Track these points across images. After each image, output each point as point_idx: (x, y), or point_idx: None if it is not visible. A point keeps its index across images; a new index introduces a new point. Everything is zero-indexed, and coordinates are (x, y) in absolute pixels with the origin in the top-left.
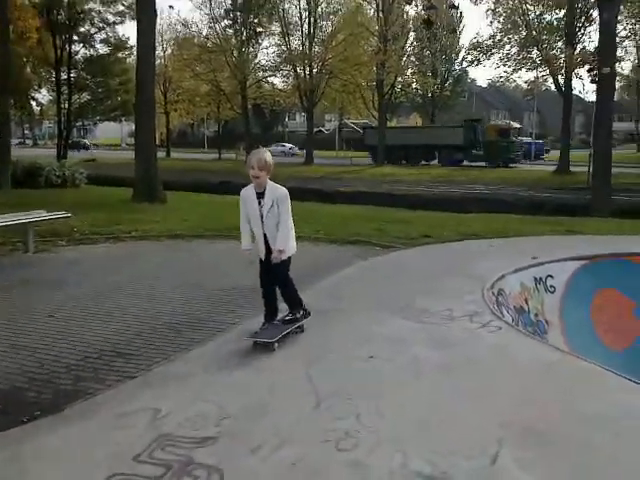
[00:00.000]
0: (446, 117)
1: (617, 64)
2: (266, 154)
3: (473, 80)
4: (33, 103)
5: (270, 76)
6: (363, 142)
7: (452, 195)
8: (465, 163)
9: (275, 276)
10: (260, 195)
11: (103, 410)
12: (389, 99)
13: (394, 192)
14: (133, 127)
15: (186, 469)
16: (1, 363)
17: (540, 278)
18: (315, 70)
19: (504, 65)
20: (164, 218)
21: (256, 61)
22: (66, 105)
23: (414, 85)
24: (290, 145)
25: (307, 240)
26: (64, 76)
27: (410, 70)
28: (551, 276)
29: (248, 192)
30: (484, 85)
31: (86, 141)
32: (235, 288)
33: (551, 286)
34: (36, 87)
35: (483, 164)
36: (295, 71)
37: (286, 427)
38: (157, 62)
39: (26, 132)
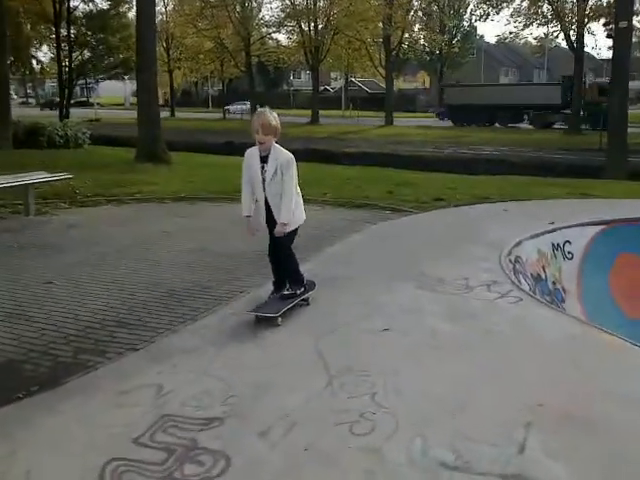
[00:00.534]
0: (455, 75)
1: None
2: (271, 116)
3: (481, 37)
4: (34, 61)
5: (274, 32)
6: (444, 102)
7: (461, 156)
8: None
9: (278, 248)
10: (264, 159)
11: (103, 386)
12: (396, 56)
13: (400, 153)
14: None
15: (190, 454)
16: None
17: (558, 244)
18: (320, 26)
19: (514, 21)
20: (168, 179)
21: (260, 17)
22: (67, 63)
23: (422, 42)
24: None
25: (314, 204)
26: (64, 33)
27: (417, 26)
28: (569, 242)
29: (252, 153)
30: (492, 42)
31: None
32: (242, 253)
33: (569, 252)
34: (37, 45)
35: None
36: (300, 27)
37: (296, 407)
38: (158, 18)
39: (29, 91)
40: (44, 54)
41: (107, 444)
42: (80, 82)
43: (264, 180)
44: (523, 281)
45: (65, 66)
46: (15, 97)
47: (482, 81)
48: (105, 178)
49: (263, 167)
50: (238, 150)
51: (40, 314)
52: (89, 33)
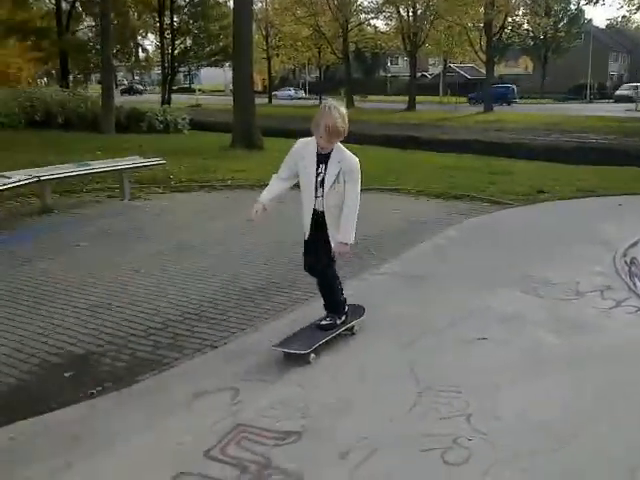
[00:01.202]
0: (560, 60)
1: None
2: (340, 117)
3: (589, 20)
4: (139, 50)
5: (372, 18)
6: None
7: (564, 145)
8: None
9: (318, 267)
10: (323, 158)
11: (177, 387)
12: (498, 41)
13: (499, 140)
14: None
15: (263, 474)
16: (79, 323)
17: None
18: (419, 11)
19: (627, 4)
20: (260, 166)
21: (358, 3)
22: (169, 50)
23: (525, 26)
24: (294, 89)
25: (406, 194)
26: (167, 21)
27: (522, 9)
28: None
29: (308, 148)
30: (602, 26)
31: (139, 86)
32: None
33: None
34: (143, 34)
35: None
36: (398, 12)
37: (379, 427)
38: (257, 6)
39: (136, 78)
40: (150, 42)
41: (176, 455)
42: (182, 69)
43: (318, 187)
44: None
45: (168, 54)
46: (126, 83)
47: (589, 67)
48: (200, 163)
49: (319, 169)
50: None
51: (123, 304)
52: (191, 21)
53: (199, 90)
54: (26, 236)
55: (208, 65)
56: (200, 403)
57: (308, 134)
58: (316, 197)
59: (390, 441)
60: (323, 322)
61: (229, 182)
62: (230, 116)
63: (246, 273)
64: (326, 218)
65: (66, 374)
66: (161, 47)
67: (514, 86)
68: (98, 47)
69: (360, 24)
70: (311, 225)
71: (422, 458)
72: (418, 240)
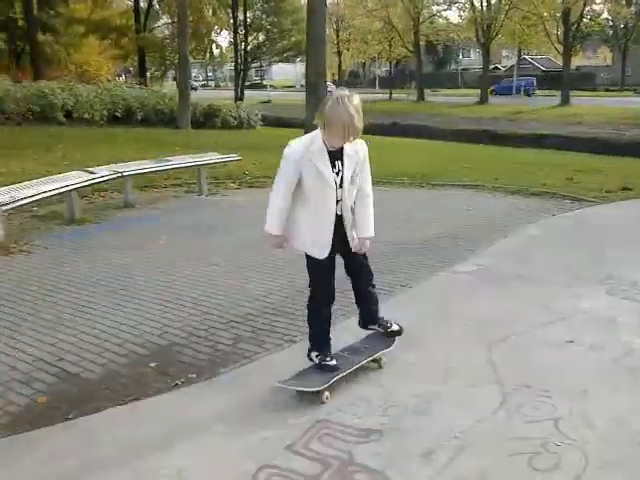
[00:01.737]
0: None
1: None
2: (356, 115)
3: None
4: (213, 46)
5: (445, 10)
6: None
7: None
8: None
9: (360, 273)
10: (336, 155)
11: (259, 381)
12: (575, 31)
13: (577, 134)
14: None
15: (346, 471)
16: (163, 315)
17: None
18: (493, 1)
19: None
20: None
21: None
22: (242, 46)
23: (605, 15)
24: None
25: (483, 190)
26: (241, 17)
27: None
28: None
29: (313, 149)
30: None
31: (194, 82)
32: (406, 242)
33: None
34: (217, 30)
35: None
36: (471, 3)
37: (465, 428)
38: (329, 0)
39: (209, 74)
40: (224, 38)
41: (259, 448)
42: (254, 65)
43: (338, 188)
44: None
45: (241, 50)
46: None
47: None
48: (273, 160)
49: (335, 168)
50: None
51: (204, 297)
52: (264, 17)
53: (270, 86)
54: (110, 229)
55: (280, 61)
56: (281, 398)
57: (378, 128)
58: (337, 202)
59: (475, 443)
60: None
61: None
62: (300, 111)
63: None
64: (345, 221)
65: (151, 364)
66: (234, 43)
67: (533, 79)
68: (174, 45)
69: (432, 16)
70: (335, 238)
71: (510, 462)
72: (499, 238)
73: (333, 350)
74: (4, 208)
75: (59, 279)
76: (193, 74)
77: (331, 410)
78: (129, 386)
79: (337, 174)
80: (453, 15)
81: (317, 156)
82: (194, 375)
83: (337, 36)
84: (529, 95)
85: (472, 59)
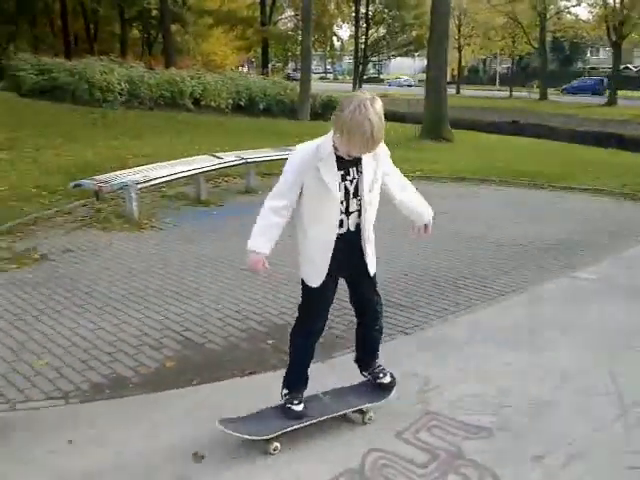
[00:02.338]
0: None
1: None
2: (379, 123)
3: None
4: (334, 39)
5: (573, 6)
6: None
7: None
8: None
9: (363, 304)
10: (349, 163)
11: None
12: None
13: None
14: (424, 63)
15: (454, 463)
16: (279, 296)
17: None
18: None
19: None
20: (449, 158)
21: None
22: (363, 40)
23: None
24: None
25: (609, 195)
26: (363, 10)
27: None
28: None
29: (320, 156)
30: None
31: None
32: (522, 244)
33: None
34: (340, 23)
35: None
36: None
37: (579, 435)
38: None
39: (328, 67)
40: (344, 32)
41: (367, 431)
42: (373, 59)
43: (352, 198)
44: None
45: (361, 43)
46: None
47: None
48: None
49: (349, 176)
50: (524, 131)
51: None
52: (386, 10)
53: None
54: (233, 212)
55: (399, 55)
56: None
57: (498, 127)
58: (347, 214)
59: (590, 452)
60: (382, 380)
61: (417, 173)
62: (416, 107)
63: (438, 265)
64: (362, 233)
65: (269, 341)
66: (355, 36)
67: (605, 78)
68: (297, 36)
69: (559, 12)
70: (331, 262)
71: (626, 475)
72: (626, 246)
73: (319, 388)
74: (138, 186)
75: (185, 255)
76: (312, 66)
77: (441, 404)
78: (248, 360)
79: (351, 182)
80: (583, 11)
81: (324, 164)
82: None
83: (459, 31)
84: (600, 94)
85: (601, 58)
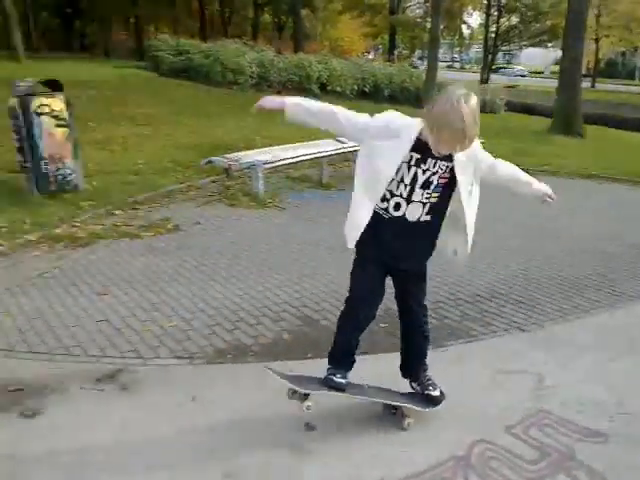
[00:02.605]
0: None
1: None
2: (472, 121)
3: None
4: (464, 27)
5: None
6: None
7: None
8: None
9: (408, 305)
10: (432, 153)
11: (482, 360)
12: None
13: None
14: (558, 54)
15: (565, 464)
16: (389, 282)
17: None
18: None
19: None
20: (579, 154)
21: None
22: (494, 28)
23: None
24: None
25: None
26: None
27: None
28: None
29: (408, 131)
30: None
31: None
32: None
33: None
34: (470, 11)
35: None
36: None
37: None
38: None
39: (455, 56)
40: (474, 20)
41: (480, 422)
42: (504, 48)
43: (422, 188)
44: None
45: (491, 32)
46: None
47: None
48: (515, 146)
49: (423, 164)
50: None
51: (435, 272)
52: None
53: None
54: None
55: (531, 45)
56: (504, 380)
57: (633, 124)
58: (408, 201)
59: None
60: (428, 390)
61: (545, 168)
62: (547, 99)
63: (561, 265)
64: (429, 233)
65: (382, 325)
66: (485, 24)
67: None
68: (425, 24)
69: None
70: (377, 243)
71: None
72: None
73: (365, 381)
74: (265, 166)
75: (305, 236)
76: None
77: (554, 403)
78: (361, 340)
79: (424, 172)
80: None
81: (400, 141)
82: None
83: (597, 22)
84: None
85: None
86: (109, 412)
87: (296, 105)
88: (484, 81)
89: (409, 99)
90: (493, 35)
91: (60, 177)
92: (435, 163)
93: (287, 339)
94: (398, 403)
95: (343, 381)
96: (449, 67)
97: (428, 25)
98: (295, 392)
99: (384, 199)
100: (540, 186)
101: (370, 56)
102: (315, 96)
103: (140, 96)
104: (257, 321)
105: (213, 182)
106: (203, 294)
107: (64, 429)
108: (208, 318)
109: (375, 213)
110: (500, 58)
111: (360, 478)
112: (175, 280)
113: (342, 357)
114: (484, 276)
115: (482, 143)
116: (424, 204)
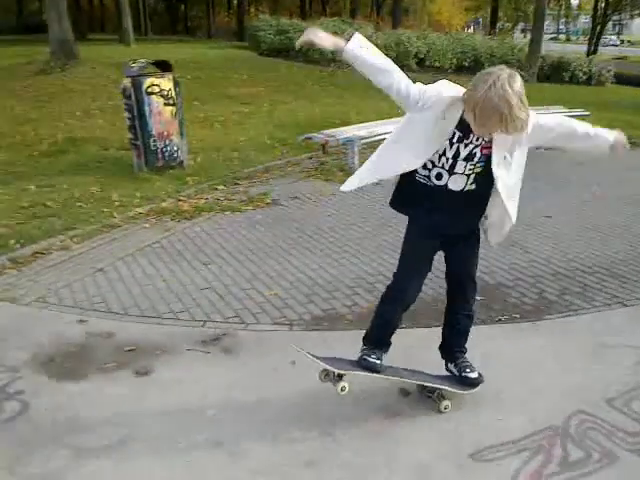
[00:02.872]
0: None
1: None
2: (519, 108)
3: None
4: None
5: None
6: None
7: None
8: None
9: (458, 279)
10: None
11: (582, 331)
12: None
13: None
14: None
15: None
16: (491, 256)
17: None
18: None
19: None
20: None
21: None
22: None
23: None
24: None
25: None
26: None
27: None
28: None
29: (451, 111)
30: None
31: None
32: None
33: None
34: None
35: None
36: None
37: None
38: None
39: (560, 27)
40: None
41: (579, 394)
42: (614, 18)
43: (465, 160)
44: None
45: (601, 1)
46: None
47: None
48: (623, 119)
49: (466, 138)
50: None
51: (533, 245)
52: None
53: (628, 41)
54: None
55: None
56: (604, 354)
57: None
58: (450, 172)
59: None
60: (465, 373)
61: None
62: None
63: None
64: (477, 207)
65: (478, 298)
66: None
67: None
68: None
69: None
70: (422, 212)
71: None
72: None
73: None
74: (362, 141)
75: (385, 215)
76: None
77: None
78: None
79: (466, 146)
80: None
81: (450, 116)
82: (517, 316)
83: None
84: None
85: None
86: (215, 373)
87: (354, 58)
88: (592, 52)
89: None
90: (603, 4)
91: (167, 154)
92: (478, 137)
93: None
94: (435, 385)
95: (378, 362)
96: (553, 39)
97: None
98: (327, 374)
99: (425, 167)
100: (607, 136)
101: (470, 30)
102: (411, 71)
103: (241, 75)
104: (352, 292)
105: (310, 158)
106: (301, 265)
107: (174, 387)
108: (306, 287)
109: (417, 182)
110: (610, 29)
111: (455, 443)
112: (274, 251)
113: (379, 337)
114: (588, 250)
115: (587, 116)
116: (468, 175)
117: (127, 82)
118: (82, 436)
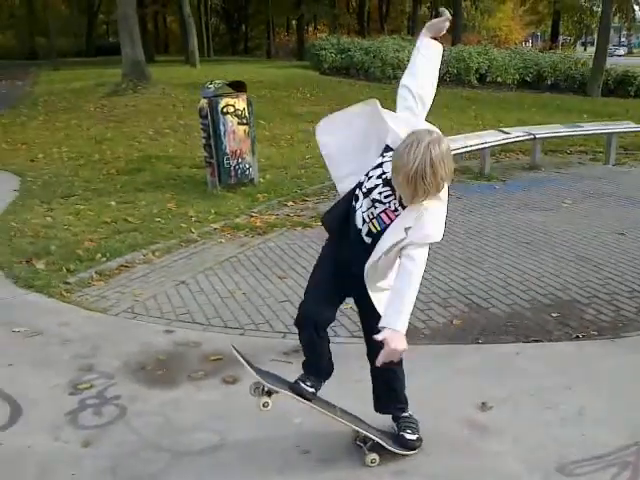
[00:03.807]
0: None
1: None
2: (432, 174)
3: None
4: (636, 8)
5: None
6: None
7: None
8: None
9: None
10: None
11: None
12: None
13: None
14: None
15: None
16: (564, 272)
17: None
18: None
19: None
20: None
21: None
22: None
23: None
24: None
25: None
26: None
27: None
28: None
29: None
30: None
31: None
32: None
33: None
34: None
35: None
36: None
37: None
38: None
39: (622, 39)
40: None
41: None
42: None
43: (366, 195)
44: None
45: None
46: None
47: None
48: None
49: (380, 189)
50: None
51: (607, 263)
52: None
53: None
54: (516, 188)
55: None
56: None
57: None
58: (365, 195)
59: None
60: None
61: None
62: None
63: None
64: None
65: (553, 314)
66: None
67: None
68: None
69: None
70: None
71: None
72: None
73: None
74: None
75: (468, 225)
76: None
77: None
78: (531, 328)
79: (380, 177)
80: None
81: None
82: (595, 333)
83: None
84: None
85: None
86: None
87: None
88: None
89: (572, 87)
90: None
91: (239, 171)
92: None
93: (457, 324)
94: (367, 434)
95: (310, 389)
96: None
97: (596, 8)
98: (258, 387)
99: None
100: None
101: (528, 44)
102: (472, 87)
103: (304, 94)
104: (426, 306)
105: None
106: None
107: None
108: None
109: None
110: None
111: (538, 459)
112: None
113: (311, 365)
114: None
115: None
116: (368, 209)
117: (204, 103)
118: (179, 440)
